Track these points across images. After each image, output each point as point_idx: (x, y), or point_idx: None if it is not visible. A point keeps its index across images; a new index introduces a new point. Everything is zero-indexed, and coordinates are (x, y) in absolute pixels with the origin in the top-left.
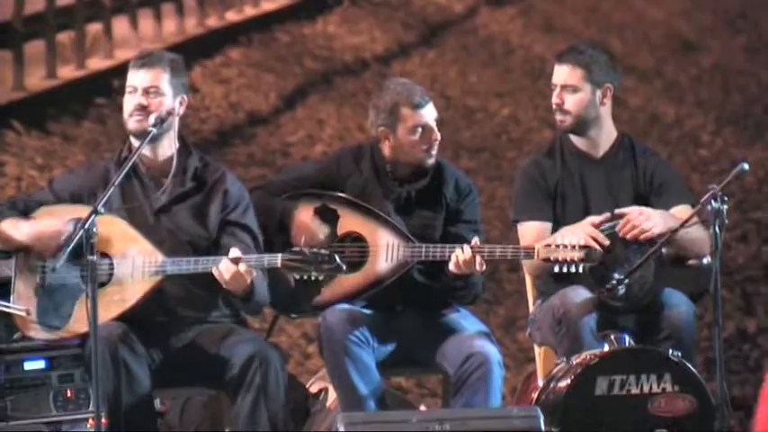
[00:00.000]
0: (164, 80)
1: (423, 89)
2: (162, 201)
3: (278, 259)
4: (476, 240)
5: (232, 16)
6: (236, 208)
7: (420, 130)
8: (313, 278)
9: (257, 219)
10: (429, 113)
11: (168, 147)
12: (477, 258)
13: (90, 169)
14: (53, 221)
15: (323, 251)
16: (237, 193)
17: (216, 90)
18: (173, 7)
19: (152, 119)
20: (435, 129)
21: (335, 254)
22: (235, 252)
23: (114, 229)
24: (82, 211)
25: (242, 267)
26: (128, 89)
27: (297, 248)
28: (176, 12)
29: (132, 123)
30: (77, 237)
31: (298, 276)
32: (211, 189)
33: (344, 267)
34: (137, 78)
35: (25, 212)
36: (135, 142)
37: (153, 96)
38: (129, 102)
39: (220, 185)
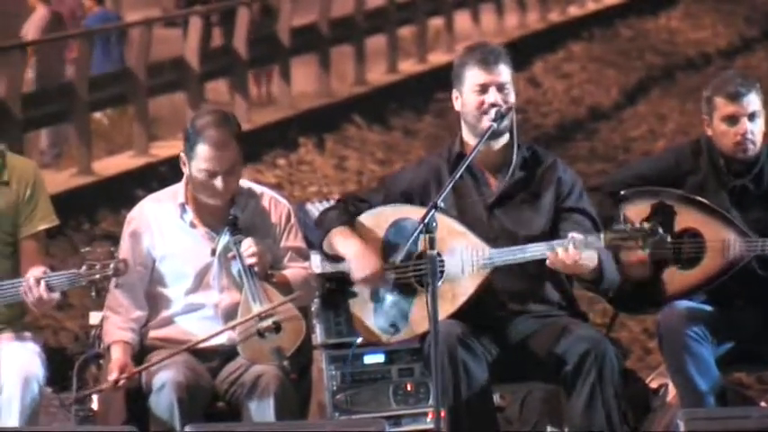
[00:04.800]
0: (509, 75)
1: (744, 81)
2: (494, 196)
3: (602, 238)
4: None
5: (574, 11)
6: (570, 194)
7: (730, 120)
8: (643, 251)
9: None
10: (744, 105)
11: (502, 141)
12: None
13: (420, 166)
14: (373, 258)
15: (645, 225)
16: (570, 179)
17: (557, 84)
18: (514, 2)
19: (506, 117)
20: (746, 122)
21: (658, 224)
22: (574, 239)
23: (442, 226)
24: (406, 211)
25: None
26: (475, 87)
27: (619, 226)
28: (518, 6)
29: (486, 122)
30: (417, 231)
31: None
32: (542, 178)
33: (668, 237)
34: (487, 77)
35: (356, 213)
36: (467, 138)
37: (505, 94)
38: (479, 98)
39: (552, 174)
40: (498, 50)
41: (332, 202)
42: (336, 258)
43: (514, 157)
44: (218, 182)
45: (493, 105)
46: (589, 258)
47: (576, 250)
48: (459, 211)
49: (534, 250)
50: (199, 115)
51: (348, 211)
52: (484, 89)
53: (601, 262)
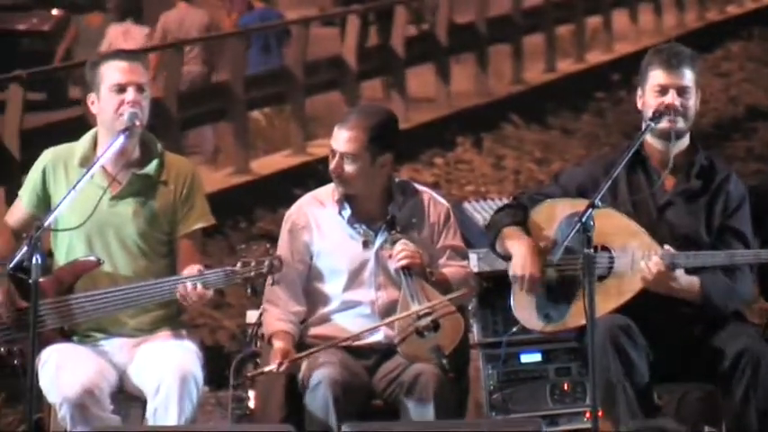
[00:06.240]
0: (692, 80)
1: None
2: (667, 197)
3: None
4: None
5: (733, 10)
6: (734, 213)
7: None
8: None
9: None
10: None
11: (682, 143)
12: None
13: (595, 161)
14: (533, 262)
15: None
16: (739, 195)
17: (715, 83)
18: (673, 1)
19: (680, 121)
20: None
21: None
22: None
23: (616, 222)
24: (580, 205)
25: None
26: (656, 88)
27: None
28: (676, 5)
29: (663, 122)
30: (574, 231)
31: None
32: (717, 190)
33: None
34: (669, 79)
35: (528, 207)
36: (647, 136)
37: (686, 98)
38: (659, 100)
39: (724, 186)
40: (685, 53)
41: (495, 201)
42: (507, 257)
43: (687, 160)
44: (333, 162)
45: (669, 107)
46: (688, 283)
47: (661, 264)
48: (632, 207)
49: (708, 257)
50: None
51: (521, 208)
52: (664, 91)
53: (704, 287)
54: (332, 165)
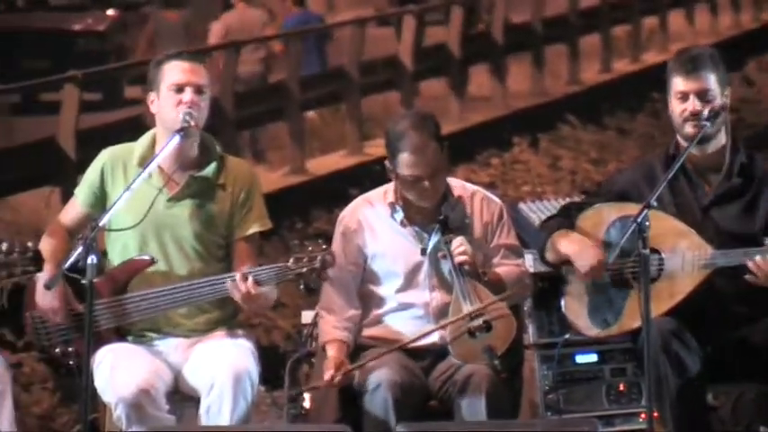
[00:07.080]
0: (712, 81)
1: None
2: (710, 198)
3: None
4: None
5: None
6: None
7: None
8: None
9: None
10: None
11: (716, 143)
12: None
13: (637, 166)
14: (595, 250)
15: None
16: None
17: None
18: (729, 1)
19: (706, 125)
20: None
21: None
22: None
23: (664, 224)
24: (628, 209)
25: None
26: (677, 95)
27: None
28: (731, 6)
29: (688, 128)
30: (630, 231)
31: None
32: (759, 184)
33: None
34: (688, 84)
35: (574, 216)
36: (681, 141)
37: (708, 101)
38: (681, 106)
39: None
40: (700, 56)
41: (552, 202)
42: (559, 265)
43: (726, 159)
44: (425, 185)
45: (692, 114)
46: None
47: None
48: (677, 210)
49: (760, 254)
50: (396, 121)
51: (568, 217)
52: (684, 97)
53: None
54: (429, 188)
